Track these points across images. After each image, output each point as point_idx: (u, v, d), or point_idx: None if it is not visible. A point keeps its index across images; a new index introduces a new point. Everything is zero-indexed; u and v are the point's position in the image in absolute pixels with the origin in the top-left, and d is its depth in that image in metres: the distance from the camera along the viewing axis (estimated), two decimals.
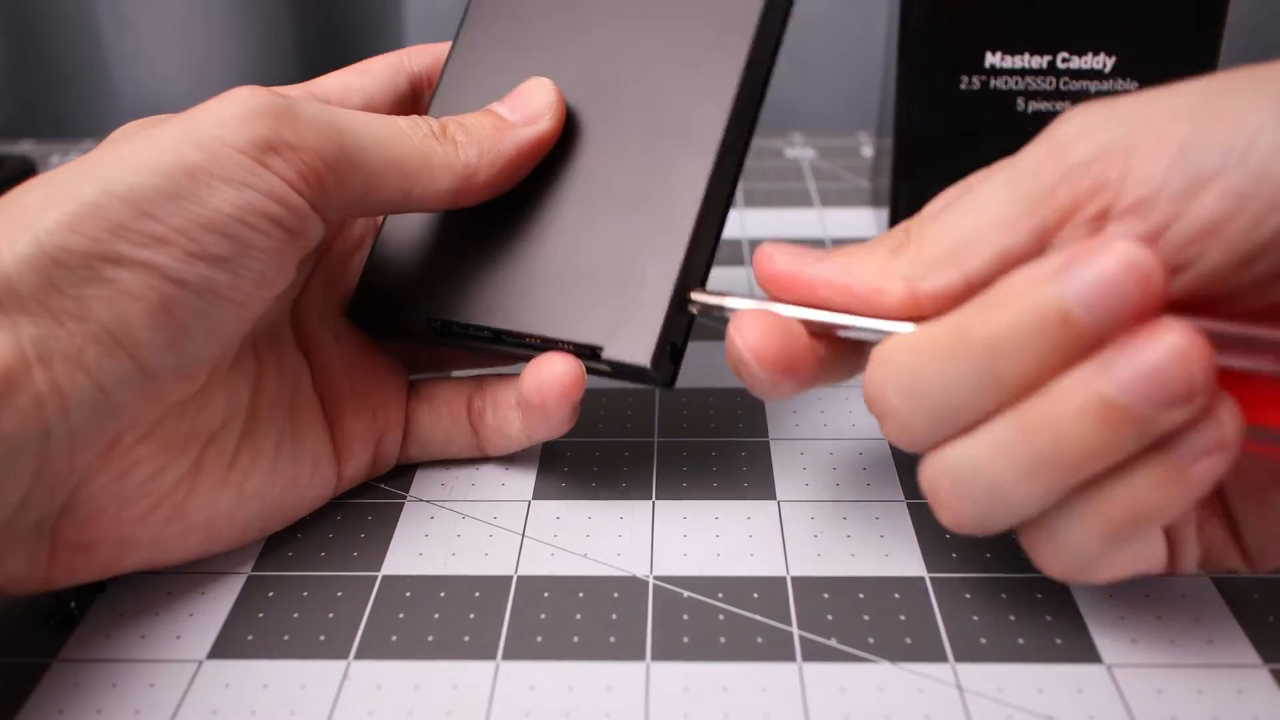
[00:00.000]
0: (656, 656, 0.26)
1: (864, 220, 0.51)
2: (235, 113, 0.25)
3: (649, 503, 0.31)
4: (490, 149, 0.29)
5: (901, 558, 0.29)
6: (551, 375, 0.28)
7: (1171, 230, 0.22)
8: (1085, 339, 0.21)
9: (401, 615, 0.27)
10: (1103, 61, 0.40)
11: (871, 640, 0.26)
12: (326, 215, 0.27)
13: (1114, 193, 0.22)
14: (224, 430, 0.27)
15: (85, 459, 0.24)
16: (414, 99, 0.33)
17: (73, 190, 0.23)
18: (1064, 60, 0.40)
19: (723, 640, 0.26)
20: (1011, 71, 0.41)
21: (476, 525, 0.30)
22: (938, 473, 0.23)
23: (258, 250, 0.25)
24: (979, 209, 0.23)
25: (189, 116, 0.25)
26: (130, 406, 0.24)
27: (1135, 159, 0.22)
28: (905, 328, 0.24)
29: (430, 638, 0.26)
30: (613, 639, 0.26)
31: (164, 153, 0.24)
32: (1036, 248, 0.23)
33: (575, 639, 0.26)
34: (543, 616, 0.27)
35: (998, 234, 0.23)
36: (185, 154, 0.24)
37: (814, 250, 0.26)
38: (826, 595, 0.27)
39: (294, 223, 0.26)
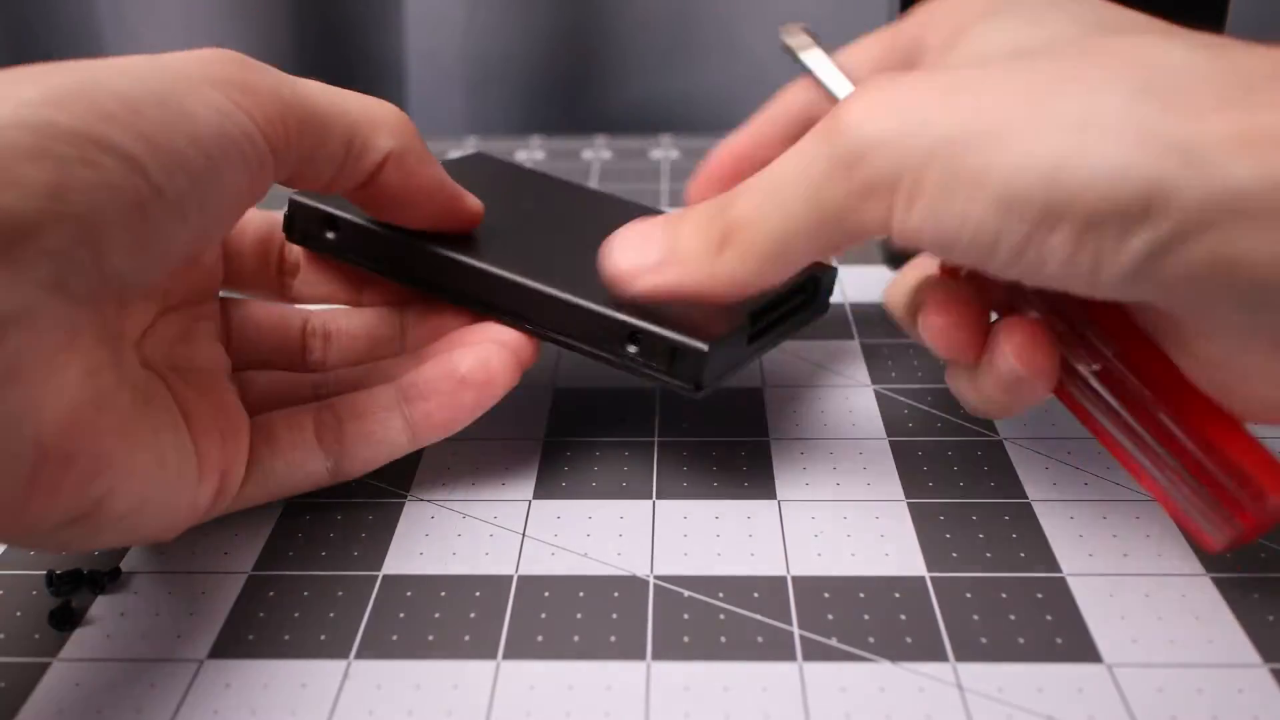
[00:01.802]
0: (657, 656, 0.26)
1: None
2: (201, 56, 0.25)
3: (649, 502, 0.31)
4: (427, 157, 0.30)
5: (901, 558, 0.29)
6: (504, 344, 0.30)
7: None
8: None
9: (402, 615, 0.27)
10: None
11: (872, 640, 0.26)
12: (280, 161, 0.26)
13: (895, 222, 0.24)
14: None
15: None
16: None
17: (51, 76, 0.22)
18: None
19: (723, 640, 0.26)
20: None
21: (476, 525, 0.30)
22: None
23: (226, 182, 0.25)
24: (789, 218, 0.25)
25: (153, 57, 0.25)
26: (81, 304, 0.23)
27: (921, 195, 0.23)
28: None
29: (430, 637, 0.26)
30: (613, 639, 0.26)
31: (143, 67, 0.24)
32: (840, 245, 0.26)
33: (575, 639, 0.26)
34: (543, 616, 0.27)
35: (810, 245, 0.26)
36: (164, 76, 0.24)
37: (649, 244, 0.28)
38: (827, 595, 0.27)
39: (256, 163, 0.25)
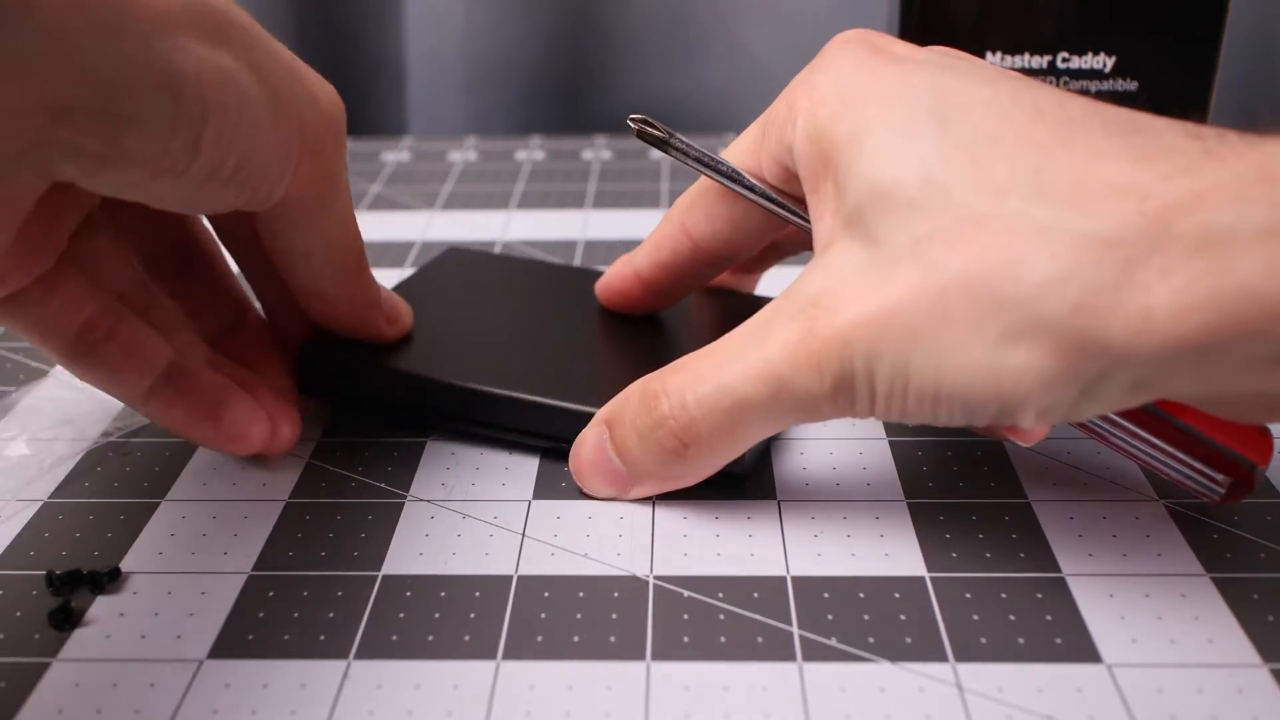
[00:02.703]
0: (657, 656, 0.26)
1: None
2: (326, 95, 0.28)
3: (649, 502, 0.31)
4: (363, 270, 0.32)
5: (901, 558, 0.29)
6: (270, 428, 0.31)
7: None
8: None
9: (402, 615, 0.27)
10: (1103, 61, 0.40)
11: (871, 640, 0.26)
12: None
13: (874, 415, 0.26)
14: None
15: None
16: None
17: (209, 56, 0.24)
18: (1064, 60, 0.40)
19: (723, 640, 0.26)
20: None
21: (476, 525, 0.30)
22: None
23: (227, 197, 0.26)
24: (753, 425, 0.28)
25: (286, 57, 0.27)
26: None
27: (894, 401, 0.26)
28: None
29: (430, 637, 0.26)
30: (613, 639, 0.26)
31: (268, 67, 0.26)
32: None
33: (575, 639, 0.26)
34: (543, 616, 0.27)
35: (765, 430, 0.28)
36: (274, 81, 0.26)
37: (608, 471, 0.30)
38: (826, 595, 0.27)
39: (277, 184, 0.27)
